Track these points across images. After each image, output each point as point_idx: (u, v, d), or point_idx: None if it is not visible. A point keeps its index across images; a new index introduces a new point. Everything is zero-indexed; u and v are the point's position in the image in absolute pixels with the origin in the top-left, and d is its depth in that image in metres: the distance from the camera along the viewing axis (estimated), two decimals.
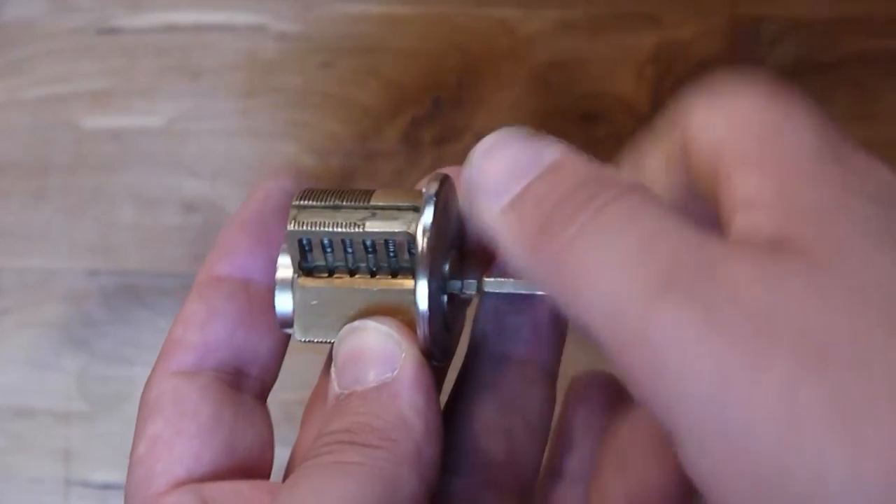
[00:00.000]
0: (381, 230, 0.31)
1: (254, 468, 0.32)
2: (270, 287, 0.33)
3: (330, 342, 0.31)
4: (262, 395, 0.34)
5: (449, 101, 0.53)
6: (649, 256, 0.24)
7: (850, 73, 0.52)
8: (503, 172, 0.28)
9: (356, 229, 0.31)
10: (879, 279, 0.23)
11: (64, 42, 0.55)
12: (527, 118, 0.53)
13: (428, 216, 0.30)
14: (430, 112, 0.53)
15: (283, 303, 0.32)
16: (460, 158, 0.35)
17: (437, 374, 0.32)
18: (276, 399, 0.35)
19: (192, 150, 0.54)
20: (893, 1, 0.52)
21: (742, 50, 0.52)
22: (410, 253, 0.31)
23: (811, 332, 0.22)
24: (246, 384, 0.33)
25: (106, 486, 0.52)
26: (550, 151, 0.27)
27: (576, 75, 0.53)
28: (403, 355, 0.30)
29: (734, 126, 0.26)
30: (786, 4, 0.52)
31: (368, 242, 0.31)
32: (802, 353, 0.22)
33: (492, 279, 0.31)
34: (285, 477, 0.34)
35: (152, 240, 0.54)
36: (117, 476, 0.52)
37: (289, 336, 0.34)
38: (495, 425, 0.32)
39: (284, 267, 0.32)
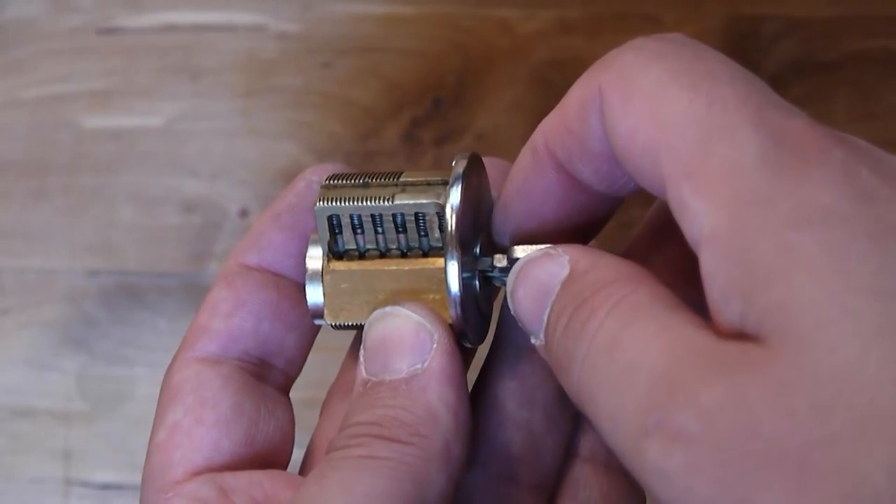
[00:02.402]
0: (411, 202, 0.30)
1: (273, 458, 0.32)
2: (300, 282, 0.33)
3: (360, 325, 0.31)
4: (286, 387, 0.34)
5: (449, 101, 0.53)
6: (631, 388, 0.24)
7: (850, 73, 0.52)
8: (529, 309, 0.29)
9: (385, 203, 0.30)
10: (841, 362, 0.22)
11: (64, 42, 0.55)
12: (527, 118, 0.53)
13: (456, 194, 0.30)
14: (430, 112, 0.53)
15: (314, 294, 0.32)
16: None
17: (465, 358, 0.32)
18: None
19: (192, 150, 0.54)
20: (893, 1, 0.52)
21: (742, 50, 0.52)
22: (441, 230, 0.30)
23: (788, 451, 0.22)
24: (269, 375, 0.33)
25: (106, 486, 0.52)
26: (562, 266, 0.28)
27: (576, 75, 0.53)
28: (435, 346, 0.30)
29: (662, 126, 0.26)
30: (786, 4, 0.52)
31: (399, 219, 0.30)
32: (780, 478, 0.22)
33: (521, 247, 0.30)
34: (303, 469, 0.34)
35: (152, 240, 0.54)
36: (117, 476, 0.52)
37: (315, 330, 0.34)
38: (516, 417, 0.32)
39: (314, 258, 0.32)
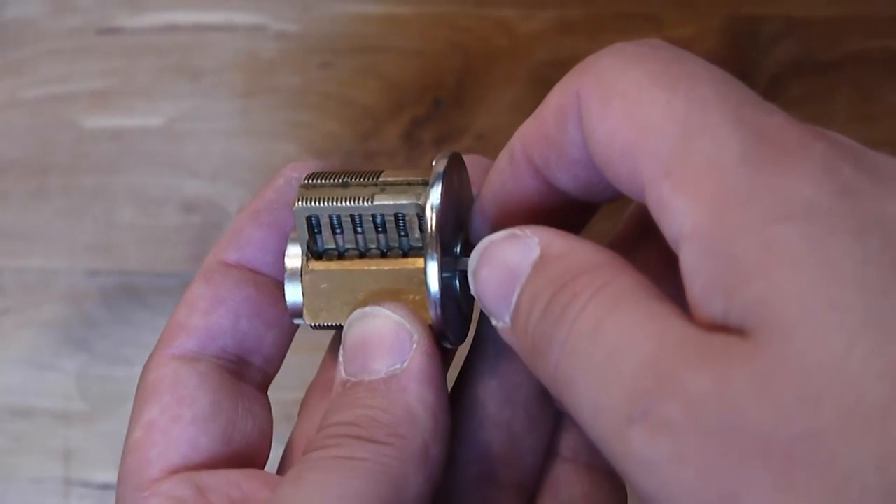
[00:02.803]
0: (391, 202, 0.30)
1: (250, 457, 0.32)
2: (279, 279, 0.32)
3: (340, 326, 0.31)
4: (264, 385, 0.34)
5: (449, 101, 0.53)
6: (616, 374, 0.24)
7: (850, 73, 0.52)
8: (495, 290, 0.28)
9: (365, 203, 0.30)
10: (827, 354, 0.22)
11: (64, 42, 0.55)
12: (526, 118, 0.53)
13: (435, 193, 0.30)
14: (430, 112, 0.53)
15: (293, 293, 0.31)
16: None
17: (445, 358, 0.31)
18: (274, 398, 0.35)
19: (192, 150, 0.54)
20: (893, 1, 0.52)
21: (742, 50, 0.52)
22: (421, 230, 0.30)
23: (774, 444, 0.22)
24: (247, 374, 0.33)
25: (106, 486, 0.52)
26: (532, 248, 0.28)
27: None
28: (414, 346, 0.30)
29: (641, 127, 0.26)
30: (785, 4, 0.52)
31: (378, 219, 0.30)
32: (767, 471, 0.22)
33: None
34: (281, 467, 0.33)
35: (152, 240, 0.54)
36: (117, 476, 0.52)
37: (294, 329, 0.34)
38: (496, 416, 0.32)
39: (294, 257, 0.31)
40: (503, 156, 0.30)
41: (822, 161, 0.24)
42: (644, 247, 0.30)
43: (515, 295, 0.27)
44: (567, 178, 0.29)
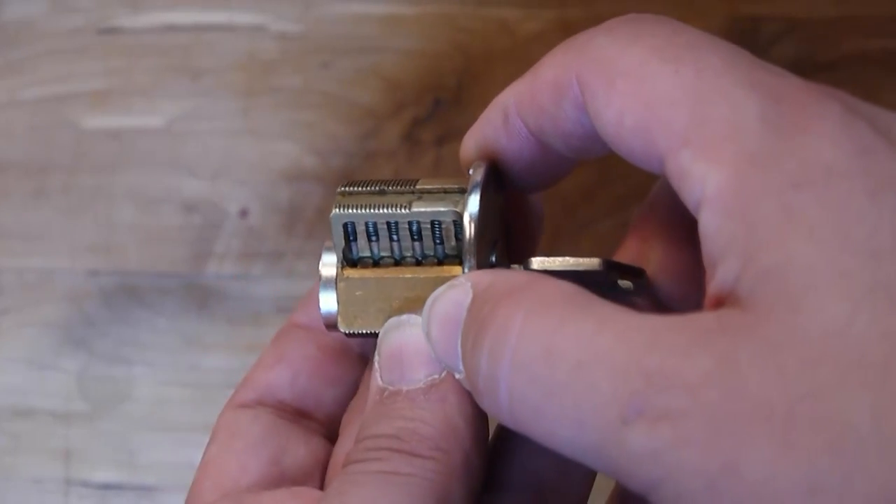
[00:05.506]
0: (429, 209, 0.30)
1: (303, 480, 0.32)
2: (345, 341, 0.33)
3: (374, 333, 0.31)
4: (323, 434, 0.34)
5: (449, 101, 0.53)
6: (589, 388, 0.24)
7: (850, 73, 0.52)
8: (444, 342, 0.28)
9: (402, 210, 0.30)
10: (831, 321, 0.22)
11: (64, 42, 0.55)
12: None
13: (474, 201, 0.30)
14: (430, 112, 0.53)
15: (328, 301, 0.32)
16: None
17: None
18: None
19: (192, 150, 0.54)
20: (893, 1, 0.52)
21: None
22: (457, 238, 0.30)
23: (775, 407, 0.22)
24: (307, 426, 0.34)
25: (106, 486, 0.52)
26: (466, 293, 0.28)
27: None
28: None
29: (651, 101, 0.26)
30: (785, 4, 0.52)
31: (414, 227, 0.30)
32: (766, 434, 0.22)
33: (538, 258, 0.30)
34: (323, 483, 0.34)
35: (152, 240, 0.54)
36: (117, 476, 0.52)
37: (356, 387, 0.34)
38: None
39: (328, 265, 0.32)
40: (497, 111, 0.31)
41: (839, 121, 0.24)
42: (669, 222, 0.31)
43: (459, 343, 0.28)
44: (560, 144, 0.29)
